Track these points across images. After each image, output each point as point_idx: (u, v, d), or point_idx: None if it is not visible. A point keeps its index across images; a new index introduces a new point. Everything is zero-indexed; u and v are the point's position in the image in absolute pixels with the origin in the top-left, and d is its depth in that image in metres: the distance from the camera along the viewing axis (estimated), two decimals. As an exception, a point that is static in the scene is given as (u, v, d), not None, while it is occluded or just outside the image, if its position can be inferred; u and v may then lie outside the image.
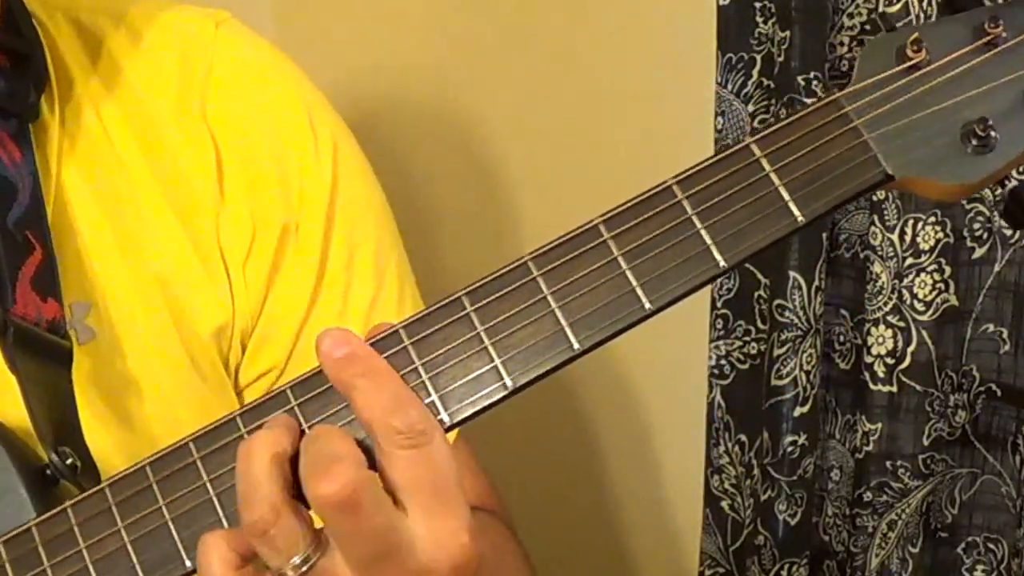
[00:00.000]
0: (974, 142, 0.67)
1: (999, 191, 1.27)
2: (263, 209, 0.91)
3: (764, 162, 0.67)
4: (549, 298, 0.67)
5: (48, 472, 0.78)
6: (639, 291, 0.67)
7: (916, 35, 0.68)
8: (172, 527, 0.70)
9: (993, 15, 0.68)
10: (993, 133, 0.67)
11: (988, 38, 0.68)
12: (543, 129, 1.58)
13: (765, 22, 1.32)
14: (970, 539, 1.35)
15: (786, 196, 0.67)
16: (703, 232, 0.67)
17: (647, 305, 0.67)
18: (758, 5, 1.31)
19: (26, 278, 0.82)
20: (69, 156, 0.88)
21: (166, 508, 0.70)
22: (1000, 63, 0.68)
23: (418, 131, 1.67)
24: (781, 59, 1.31)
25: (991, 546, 1.34)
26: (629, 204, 0.68)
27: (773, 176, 0.67)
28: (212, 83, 0.91)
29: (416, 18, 1.66)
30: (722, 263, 0.67)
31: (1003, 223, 1.28)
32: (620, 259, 0.67)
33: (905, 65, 0.68)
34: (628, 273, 0.67)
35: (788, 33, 1.30)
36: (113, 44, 0.92)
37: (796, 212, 0.67)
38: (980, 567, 1.35)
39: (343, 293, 0.93)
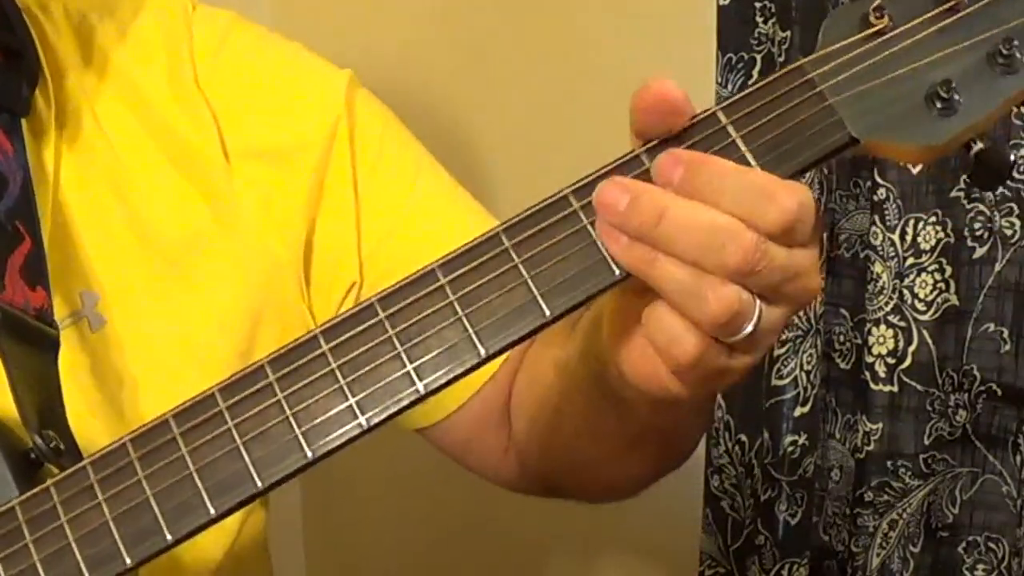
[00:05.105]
0: (938, 105, 0.68)
1: (1000, 190, 1.27)
2: (280, 153, 0.95)
3: (730, 128, 0.68)
4: (521, 268, 0.68)
5: (32, 455, 0.79)
6: (608, 259, 0.68)
7: (879, 2, 0.69)
8: (153, 501, 0.71)
9: None
10: (957, 96, 0.68)
11: (950, 4, 0.69)
12: (542, 129, 1.58)
13: (765, 22, 1.32)
14: (971, 539, 1.35)
15: (753, 162, 0.68)
16: None
17: (616, 272, 0.68)
18: (758, 5, 1.32)
19: (15, 267, 0.84)
20: (67, 150, 0.90)
21: (146, 483, 0.71)
22: (962, 27, 0.69)
23: (416, 128, 1.68)
24: (781, 59, 1.31)
25: (992, 546, 1.34)
26: (601, 170, 0.70)
27: (739, 142, 0.68)
28: (196, 49, 0.95)
29: (416, 14, 1.67)
30: None
31: (1003, 224, 1.28)
32: (589, 228, 0.68)
33: (868, 31, 0.69)
34: (599, 242, 0.68)
35: (788, 33, 1.30)
36: (102, 35, 0.94)
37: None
38: (981, 567, 1.34)
39: (391, 181, 0.98)
